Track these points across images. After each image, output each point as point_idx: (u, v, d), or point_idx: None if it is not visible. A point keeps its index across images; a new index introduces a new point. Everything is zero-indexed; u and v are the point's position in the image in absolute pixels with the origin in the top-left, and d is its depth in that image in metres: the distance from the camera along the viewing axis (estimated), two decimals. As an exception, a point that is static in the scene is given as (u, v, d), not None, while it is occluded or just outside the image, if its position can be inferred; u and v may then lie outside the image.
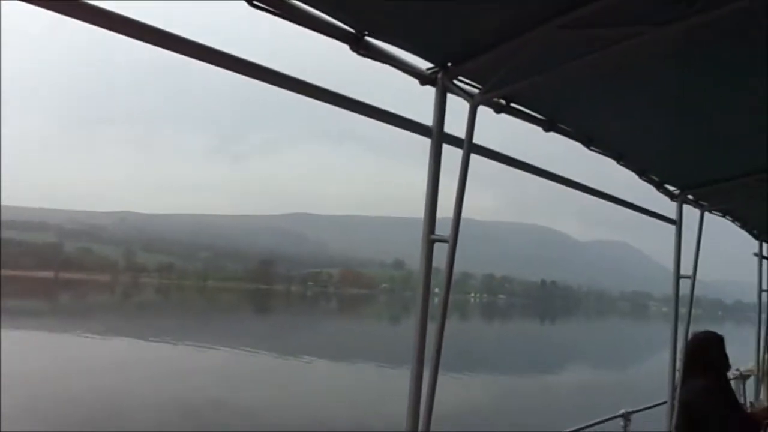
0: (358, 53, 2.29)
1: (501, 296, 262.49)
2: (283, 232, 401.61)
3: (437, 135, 2.44)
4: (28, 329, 40.80)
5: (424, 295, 2.39)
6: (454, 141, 2.48)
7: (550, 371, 34.89)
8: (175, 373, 25.63)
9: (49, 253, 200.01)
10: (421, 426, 2.28)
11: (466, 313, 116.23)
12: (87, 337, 39.30)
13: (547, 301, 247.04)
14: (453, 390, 21.10)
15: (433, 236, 2.36)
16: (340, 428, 17.01)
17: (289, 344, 40.55)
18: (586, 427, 4.66)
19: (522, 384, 28.91)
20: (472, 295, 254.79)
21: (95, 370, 24.93)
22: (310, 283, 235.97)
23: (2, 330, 35.40)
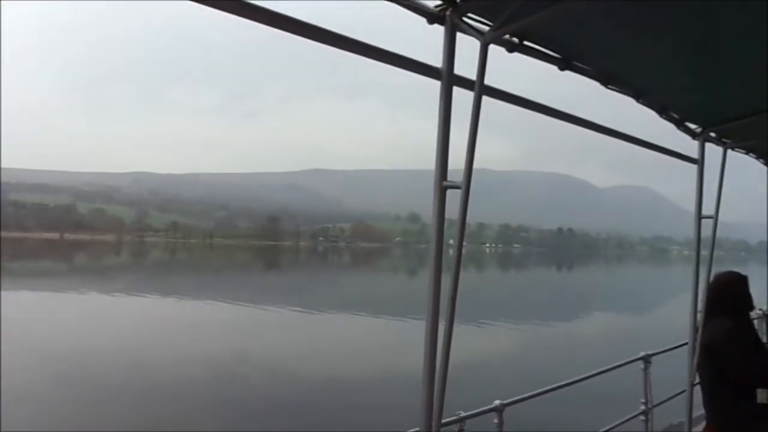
0: None
1: (516, 246, 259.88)
2: (297, 188, 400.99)
3: (447, 77, 2.35)
4: (40, 290, 41.35)
5: (437, 245, 2.33)
6: (465, 83, 2.39)
7: (568, 318, 33.67)
8: (193, 328, 25.93)
9: (60, 215, 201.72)
10: (437, 375, 2.26)
11: (482, 264, 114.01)
12: (100, 295, 39.79)
13: (564, 249, 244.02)
14: (469, 340, 20.51)
15: (445, 183, 2.30)
16: (361, 379, 16.77)
17: (308, 298, 40.19)
18: (606, 371, 4.67)
19: (539, 332, 27.67)
20: (488, 245, 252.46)
21: (112, 327, 25.25)
22: (320, 238, 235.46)
23: (19, 291, 38.50)
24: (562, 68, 2.81)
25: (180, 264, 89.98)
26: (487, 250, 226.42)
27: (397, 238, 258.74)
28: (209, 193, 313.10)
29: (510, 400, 3.75)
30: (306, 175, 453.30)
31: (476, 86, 2.30)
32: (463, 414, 3.38)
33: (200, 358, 18.51)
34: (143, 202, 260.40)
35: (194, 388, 15.06)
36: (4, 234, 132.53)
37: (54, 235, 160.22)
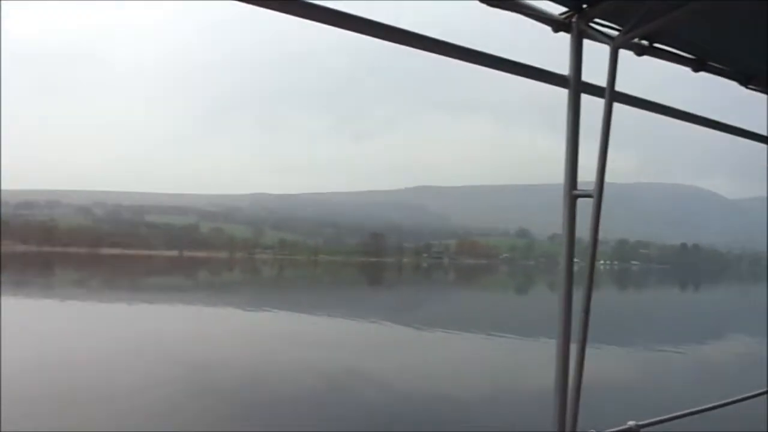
0: (490, 4, 2.20)
1: (635, 263, 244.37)
2: (404, 205, 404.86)
3: (575, 84, 2.31)
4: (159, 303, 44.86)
5: (568, 258, 2.27)
6: (594, 90, 2.34)
7: (694, 341, 31.31)
8: (304, 343, 26.70)
9: (183, 234, 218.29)
10: (570, 391, 2.19)
11: (597, 282, 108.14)
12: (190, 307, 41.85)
13: (689, 266, 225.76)
14: (592, 361, 19.39)
15: (575, 192, 2.24)
16: (477, 400, 16.52)
17: (416, 315, 40.28)
18: (726, 404, 4.03)
19: (663, 356, 26.01)
20: (602, 262, 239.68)
21: (220, 340, 26.25)
22: (424, 254, 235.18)
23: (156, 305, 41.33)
24: (696, 69, 2.66)
25: (286, 280, 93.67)
26: (602, 267, 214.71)
27: (504, 255, 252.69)
28: (320, 211, 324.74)
29: (646, 421, 3.51)
30: (413, 192, 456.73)
31: (607, 92, 2.24)
32: None
33: (313, 372, 19.04)
34: (260, 221, 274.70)
35: (308, 401, 15.52)
36: (134, 252, 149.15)
37: (174, 253, 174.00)
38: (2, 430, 10.29)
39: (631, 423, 3.45)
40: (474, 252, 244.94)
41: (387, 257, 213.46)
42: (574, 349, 2.19)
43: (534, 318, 42.19)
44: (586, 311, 2.18)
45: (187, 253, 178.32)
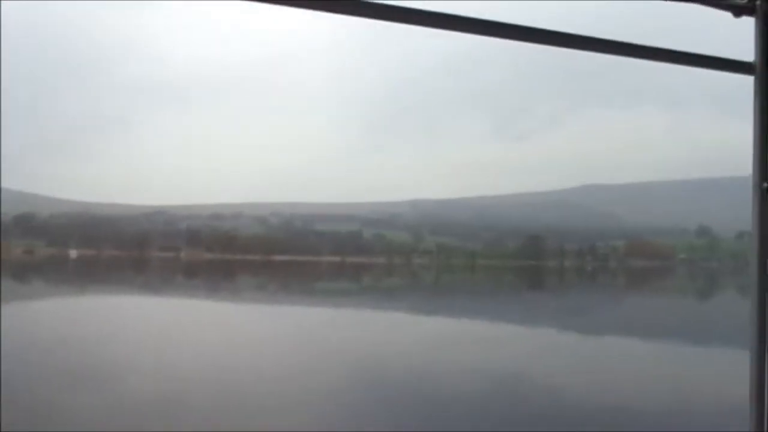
0: None
1: None
2: (567, 205, 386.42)
3: (762, 70, 2.19)
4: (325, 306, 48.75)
5: (760, 259, 2.09)
6: None
7: None
8: (473, 349, 27.51)
9: (347, 240, 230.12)
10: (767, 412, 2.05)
11: None
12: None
13: None
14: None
15: (766, 184, 2.10)
16: (658, 414, 16.10)
17: (581, 321, 40.26)
18: None
19: None
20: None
21: (395, 344, 27.93)
22: (588, 257, 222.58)
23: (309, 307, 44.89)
24: None
25: (446, 285, 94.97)
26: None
27: (681, 256, 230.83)
28: (479, 215, 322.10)
29: None
30: (577, 192, 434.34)
31: None
32: None
33: (481, 376, 20.01)
34: (419, 226, 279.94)
35: (479, 404, 16.48)
36: (303, 258, 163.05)
37: (336, 258, 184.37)
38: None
39: None
40: (646, 253, 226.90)
41: (547, 260, 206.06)
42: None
43: (720, 326, 38.84)
44: None
45: (349, 259, 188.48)
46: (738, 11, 2.17)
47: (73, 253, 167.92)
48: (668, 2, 2.04)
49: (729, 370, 22.73)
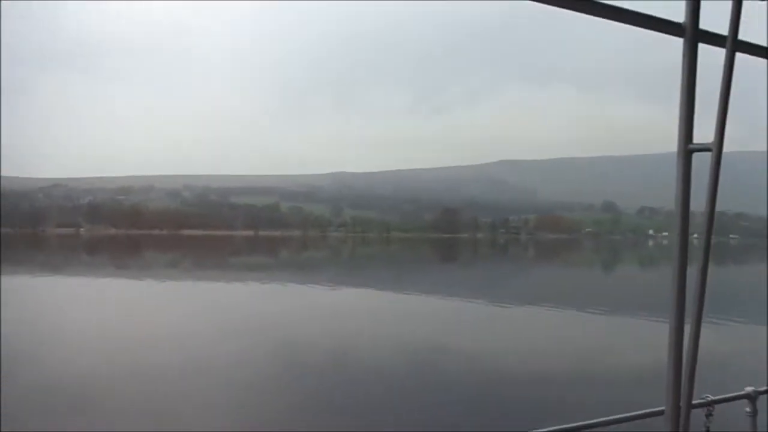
0: None
1: (733, 236, 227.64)
2: (485, 180, 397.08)
3: (691, 32, 2.17)
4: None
5: (682, 224, 2.10)
6: (712, 39, 2.21)
7: None
8: (393, 320, 27.60)
9: (264, 214, 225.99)
10: (686, 354, 2.13)
11: (692, 258, 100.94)
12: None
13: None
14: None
15: (691, 146, 2.09)
16: (557, 374, 16.24)
17: (490, 292, 40.15)
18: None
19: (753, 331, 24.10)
20: (696, 236, 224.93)
21: (310, 317, 27.48)
22: (501, 230, 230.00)
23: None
24: None
25: (360, 258, 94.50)
26: (695, 241, 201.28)
27: (587, 229, 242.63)
28: (399, 188, 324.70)
29: (766, 387, 3.44)
30: (495, 167, 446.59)
31: (729, 41, 2.11)
32: (711, 398, 3.17)
33: (398, 348, 19.61)
34: (339, 200, 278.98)
35: (394, 375, 15.99)
36: (213, 232, 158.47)
37: (250, 233, 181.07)
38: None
39: (749, 389, 3.39)
40: (555, 227, 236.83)
41: (462, 233, 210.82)
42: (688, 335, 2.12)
43: (621, 295, 40.25)
44: (701, 293, 2.07)
45: (262, 233, 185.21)
46: None
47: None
48: None
49: (634, 337, 23.50)
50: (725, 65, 2.09)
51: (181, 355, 18.04)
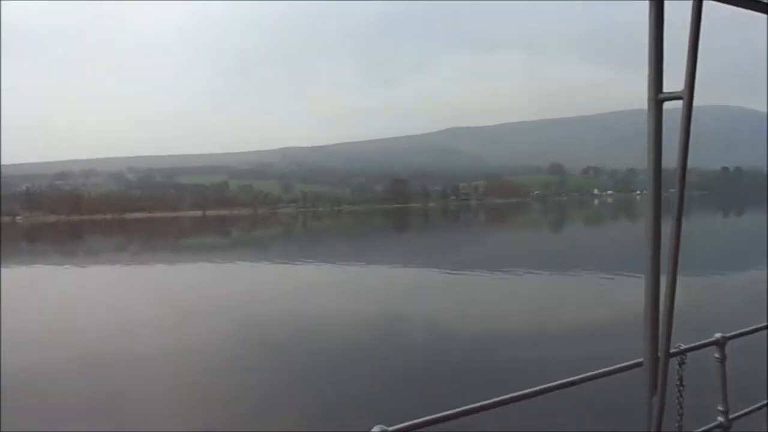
0: None
1: (672, 190, 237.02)
2: (435, 149, 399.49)
3: None
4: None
5: (656, 177, 2.05)
6: None
7: (739, 269, 29.78)
8: (348, 290, 27.79)
9: (213, 194, 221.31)
10: (663, 304, 2.14)
11: (634, 214, 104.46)
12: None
13: (730, 191, 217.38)
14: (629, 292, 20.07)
15: (661, 95, 2.03)
16: (512, 336, 16.63)
17: (442, 259, 40.25)
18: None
19: (703, 283, 24.38)
20: (638, 193, 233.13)
21: (264, 293, 27.77)
22: (452, 198, 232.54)
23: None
24: None
25: (311, 232, 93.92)
26: (638, 197, 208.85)
27: (536, 192, 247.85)
28: (349, 160, 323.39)
29: (732, 333, 3.62)
30: (445, 135, 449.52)
31: None
32: (683, 346, 3.29)
33: (359, 320, 19.78)
34: (290, 175, 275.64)
35: (359, 346, 16.08)
36: (159, 214, 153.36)
37: (197, 213, 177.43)
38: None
39: (717, 335, 3.53)
40: (504, 191, 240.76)
41: (413, 203, 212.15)
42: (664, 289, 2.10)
43: (569, 254, 41.60)
44: (678, 230, 2.01)
45: (210, 213, 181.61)
46: None
47: None
48: None
49: (591, 294, 24.14)
50: (693, 12, 2.04)
51: (138, 341, 17.58)
